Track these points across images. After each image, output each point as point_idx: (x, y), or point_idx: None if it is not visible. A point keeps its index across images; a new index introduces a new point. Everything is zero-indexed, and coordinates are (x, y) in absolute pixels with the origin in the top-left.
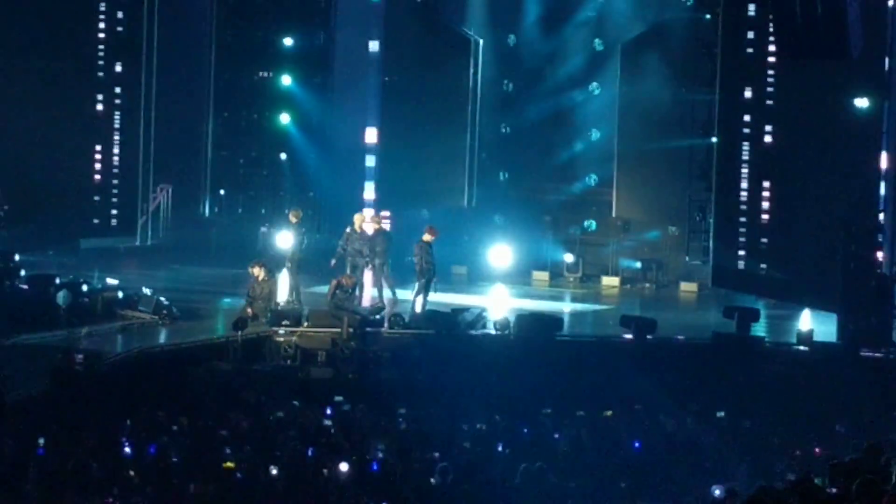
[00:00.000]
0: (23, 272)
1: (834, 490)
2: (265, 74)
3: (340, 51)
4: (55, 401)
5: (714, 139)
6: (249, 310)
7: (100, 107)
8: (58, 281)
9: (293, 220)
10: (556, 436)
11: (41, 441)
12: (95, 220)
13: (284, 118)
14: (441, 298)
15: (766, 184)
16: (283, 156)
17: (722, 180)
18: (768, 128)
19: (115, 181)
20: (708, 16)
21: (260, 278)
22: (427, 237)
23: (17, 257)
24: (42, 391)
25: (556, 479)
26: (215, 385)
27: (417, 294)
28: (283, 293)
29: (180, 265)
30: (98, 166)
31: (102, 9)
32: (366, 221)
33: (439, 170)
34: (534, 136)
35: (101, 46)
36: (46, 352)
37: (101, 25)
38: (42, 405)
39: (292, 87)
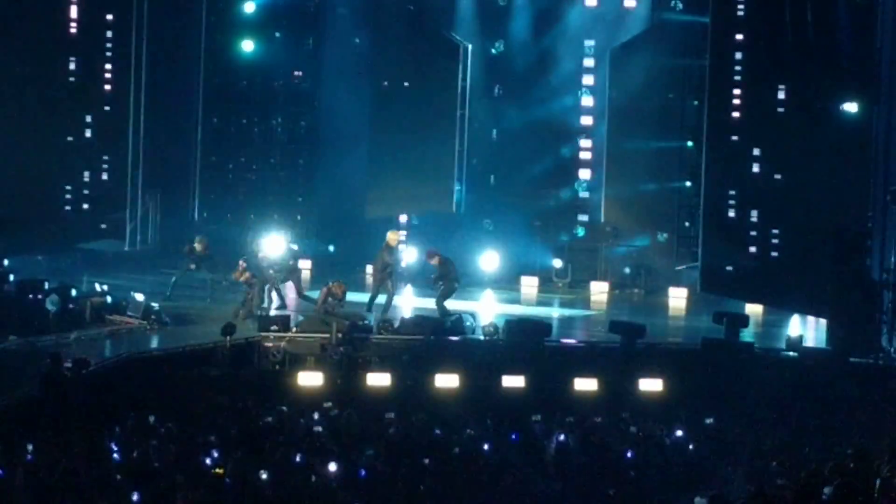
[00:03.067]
0: (11, 277)
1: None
2: (254, 80)
3: (330, 56)
4: (44, 406)
5: (704, 144)
6: (241, 312)
7: (90, 112)
8: (47, 286)
9: (199, 248)
10: (545, 441)
11: (30, 447)
12: (85, 226)
13: (273, 122)
14: (430, 304)
15: (755, 189)
16: (272, 161)
17: (711, 185)
18: (757, 133)
19: (105, 186)
20: (697, 20)
21: (243, 278)
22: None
23: (5, 262)
24: (31, 396)
25: (543, 485)
26: (204, 390)
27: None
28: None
29: (169, 270)
30: (87, 172)
31: (92, 16)
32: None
33: (429, 175)
34: (523, 142)
35: (91, 52)
36: (35, 357)
37: (92, 32)
38: (30, 410)
39: (282, 92)
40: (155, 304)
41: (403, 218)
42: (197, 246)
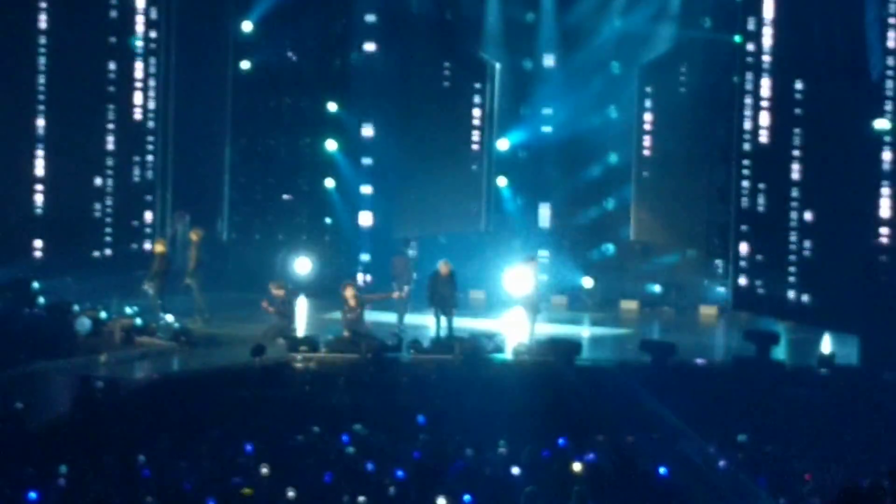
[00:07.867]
0: (41, 299)
1: None
2: (284, 100)
3: (357, 74)
4: (75, 428)
5: (733, 162)
6: (272, 332)
7: (118, 131)
8: (76, 308)
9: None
10: (575, 461)
11: (63, 469)
12: (110, 249)
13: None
14: (459, 323)
15: (787, 206)
16: (300, 181)
17: (741, 203)
18: (787, 150)
19: (134, 207)
20: (725, 37)
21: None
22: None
23: (35, 284)
24: (62, 419)
25: None
26: (234, 411)
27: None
28: None
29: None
30: (115, 193)
31: (118, 36)
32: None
33: (456, 194)
34: (551, 161)
35: (119, 71)
36: (66, 379)
37: (119, 51)
38: (62, 433)
39: (309, 112)
40: (181, 326)
41: None
42: (193, 236)
